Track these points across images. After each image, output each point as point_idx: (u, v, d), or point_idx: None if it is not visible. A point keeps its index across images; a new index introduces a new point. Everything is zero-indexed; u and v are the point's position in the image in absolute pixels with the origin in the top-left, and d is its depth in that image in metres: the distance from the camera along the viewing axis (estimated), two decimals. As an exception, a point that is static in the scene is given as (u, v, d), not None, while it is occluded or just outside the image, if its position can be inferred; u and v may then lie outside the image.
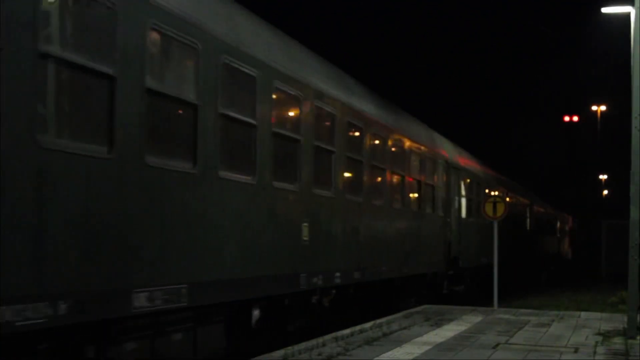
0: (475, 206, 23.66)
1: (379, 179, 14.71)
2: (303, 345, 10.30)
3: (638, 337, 11.80)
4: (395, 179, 15.77)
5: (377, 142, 14.54)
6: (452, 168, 20.89)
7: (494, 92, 69.61)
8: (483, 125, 64.15)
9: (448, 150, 21.19)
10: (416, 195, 17.35)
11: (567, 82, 66.72)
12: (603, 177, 68.37)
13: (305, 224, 11.02)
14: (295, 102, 10.88)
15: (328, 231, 12.03)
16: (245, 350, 9.87)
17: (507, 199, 24.69)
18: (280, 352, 9.64)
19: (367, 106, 14.23)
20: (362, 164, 13.64)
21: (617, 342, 11.51)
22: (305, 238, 11.00)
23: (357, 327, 12.36)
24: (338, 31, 76.31)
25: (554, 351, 10.47)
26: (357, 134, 13.52)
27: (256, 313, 9.75)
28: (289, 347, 9.95)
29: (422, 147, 17.82)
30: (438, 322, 13.57)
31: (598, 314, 16.25)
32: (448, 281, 20.44)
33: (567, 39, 74.85)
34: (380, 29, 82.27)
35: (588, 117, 61.89)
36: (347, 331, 11.89)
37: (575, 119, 66.15)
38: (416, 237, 17.23)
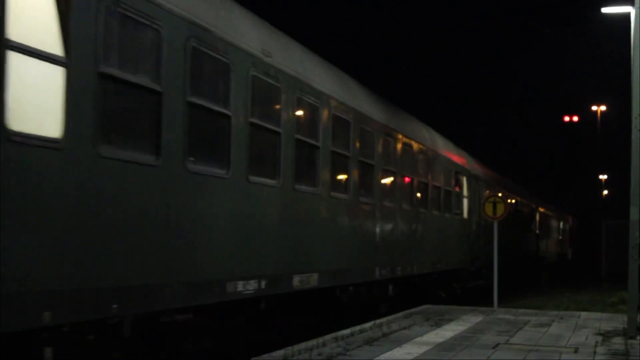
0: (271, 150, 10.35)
1: None
2: (303, 345, 10.29)
3: (638, 337, 11.80)
4: None
5: None
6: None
7: (493, 92, 69.65)
8: (482, 125, 64.16)
9: None
10: None
11: (567, 82, 66.75)
12: (603, 177, 68.31)
13: None
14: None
15: None
16: (245, 350, 9.87)
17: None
18: (280, 352, 9.63)
19: None
20: None
21: (617, 342, 11.51)
22: None
23: (357, 327, 12.36)
24: (336, 27, 76.43)
25: (554, 351, 10.47)
26: None
27: None
28: (289, 347, 9.94)
29: None
30: (438, 322, 13.57)
31: (598, 314, 16.24)
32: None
33: (567, 38, 74.82)
34: (379, 27, 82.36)
35: (588, 117, 61.87)
36: (347, 331, 11.89)
37: (575, 119, 66.09)
38: None
